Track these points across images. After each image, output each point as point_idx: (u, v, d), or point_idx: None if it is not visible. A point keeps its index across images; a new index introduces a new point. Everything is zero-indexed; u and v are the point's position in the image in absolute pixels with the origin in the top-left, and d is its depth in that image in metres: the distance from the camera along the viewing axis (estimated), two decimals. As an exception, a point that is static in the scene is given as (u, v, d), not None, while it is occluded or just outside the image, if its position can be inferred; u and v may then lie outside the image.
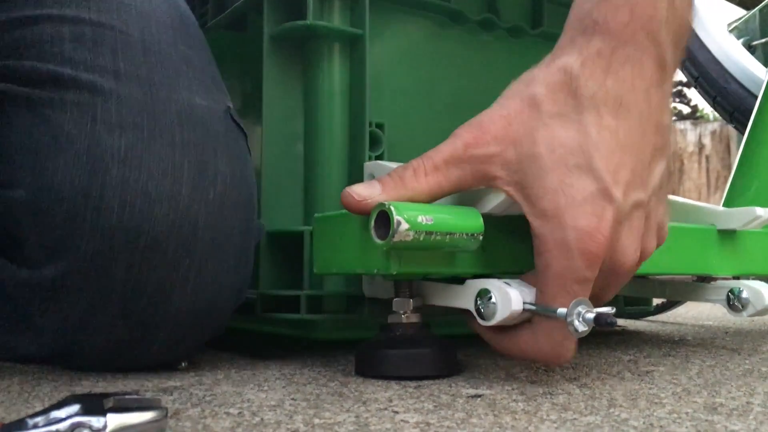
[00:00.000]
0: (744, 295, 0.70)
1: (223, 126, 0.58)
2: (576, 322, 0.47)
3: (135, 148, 0.52)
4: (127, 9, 0.58)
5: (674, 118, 4.80)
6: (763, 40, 1.41)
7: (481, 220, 0.52)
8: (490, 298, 0.52)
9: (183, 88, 0.57)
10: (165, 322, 0.54)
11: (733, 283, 0.71)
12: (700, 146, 3.65)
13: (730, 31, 1.41)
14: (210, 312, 0.56)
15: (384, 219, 0.49)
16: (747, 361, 0.65)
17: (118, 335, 0.54)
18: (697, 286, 0.76)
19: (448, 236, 0.50)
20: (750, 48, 1.41)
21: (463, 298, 0.54)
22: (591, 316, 0.47)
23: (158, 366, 0.58)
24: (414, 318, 0.56)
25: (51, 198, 0.52)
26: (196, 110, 0.56)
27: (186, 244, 0.53)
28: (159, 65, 0.57)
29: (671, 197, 0.77)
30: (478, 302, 0.53)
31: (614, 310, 0.48)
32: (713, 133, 3.65)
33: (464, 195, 0.55)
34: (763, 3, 1.43)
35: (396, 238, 0.48)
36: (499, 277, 0.52)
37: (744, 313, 0.70)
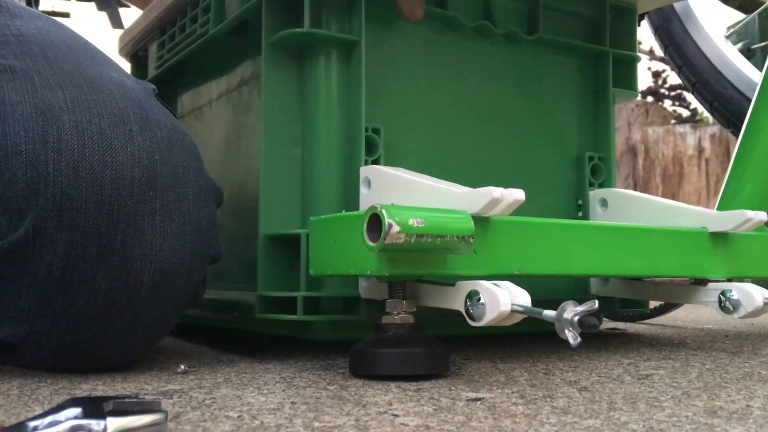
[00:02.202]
0: (734, 297, 0.70)
1: (153, 98, 0.61)
2: (569, 334, 0.47)
3: (80, 100, 0.55)
4: (48, 32, 0.61)
5: (673, 121, 4.80)
6: (762, 44, 1.42)
7: (472, 222, 0.52)
8: (479, 299, 0.52)
9: (110, 71, 0.60)
10: (145, 258, 0.54)
11: (725, 286, 0.71)
12: (700, 149, 3.64)
13: (729, 35, 1.41)
14: (182, 246, 0.56)
15: (376, 222, 0.49)
16: (747, 365, 0.65)
17: (103, 285, 0.53)
18: (689, 288, 0.76)
19: (439, 239, 0.50)
20: (749, 52, 1.41)
21: (454, 299, 0.55)
22: (576, 320, 0.47)
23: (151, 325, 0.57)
24: (407, 318, 0.56)
25: (8, 152, 0.52)
26: (127, 83, 0.59)
27: (148, 174, 0.54)
28: (84, 56, 0.60)
29: (662, 200, 0.77)
30: (468, 303, 0.53)
31: (597, 303, 0.48)
32: (713, 136, 3.65)
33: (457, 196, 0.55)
34: (762, 7, 1.44)
35: (387, 241, 0.48)
36: (489, 279, 0.53)
37: (735, 315, 0.70)
